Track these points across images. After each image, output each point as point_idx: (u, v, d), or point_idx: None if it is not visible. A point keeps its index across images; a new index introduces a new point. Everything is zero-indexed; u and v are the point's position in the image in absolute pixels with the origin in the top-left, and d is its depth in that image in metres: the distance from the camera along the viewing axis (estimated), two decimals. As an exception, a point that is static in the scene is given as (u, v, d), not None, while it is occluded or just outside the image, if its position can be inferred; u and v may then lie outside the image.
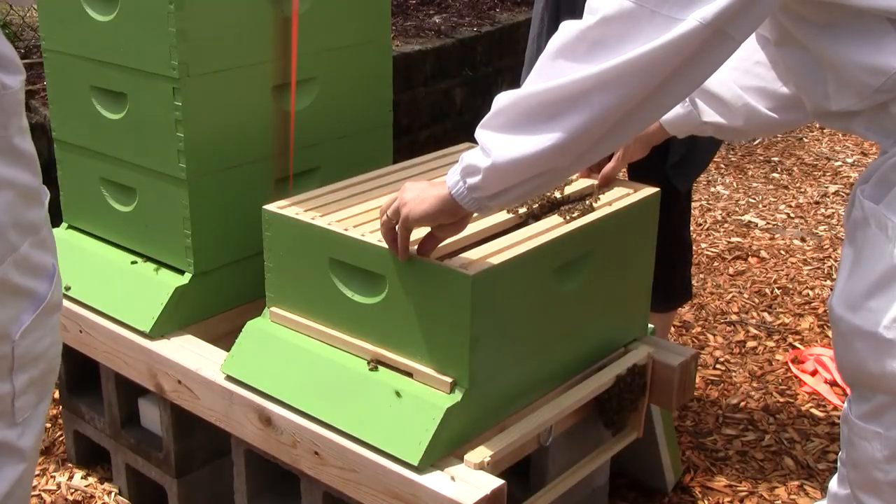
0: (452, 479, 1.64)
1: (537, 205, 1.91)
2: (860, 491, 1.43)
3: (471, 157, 1.44)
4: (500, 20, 4.77)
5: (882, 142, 1.35)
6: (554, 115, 1.32)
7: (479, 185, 1.43)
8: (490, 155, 1.39)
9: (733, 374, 2.89)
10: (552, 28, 2.38)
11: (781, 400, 2.76)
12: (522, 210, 1.90)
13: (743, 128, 1.77)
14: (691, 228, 2.69)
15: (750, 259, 3.68)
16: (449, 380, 1.68)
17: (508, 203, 1.55)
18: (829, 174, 4.59)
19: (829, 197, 4.30)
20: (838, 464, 1.56)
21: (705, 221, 4.02)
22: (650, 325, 2.14)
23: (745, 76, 1.72)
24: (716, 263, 3.64)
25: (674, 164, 2.36)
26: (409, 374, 1.74)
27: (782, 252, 3.73)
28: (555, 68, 1.32)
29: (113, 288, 2.15)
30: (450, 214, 1.52)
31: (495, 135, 1.39)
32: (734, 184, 4.45)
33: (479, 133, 1.42)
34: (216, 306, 2.15)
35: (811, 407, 2.73)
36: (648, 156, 2.46)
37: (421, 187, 1.56)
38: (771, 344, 3.06)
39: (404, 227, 1.59)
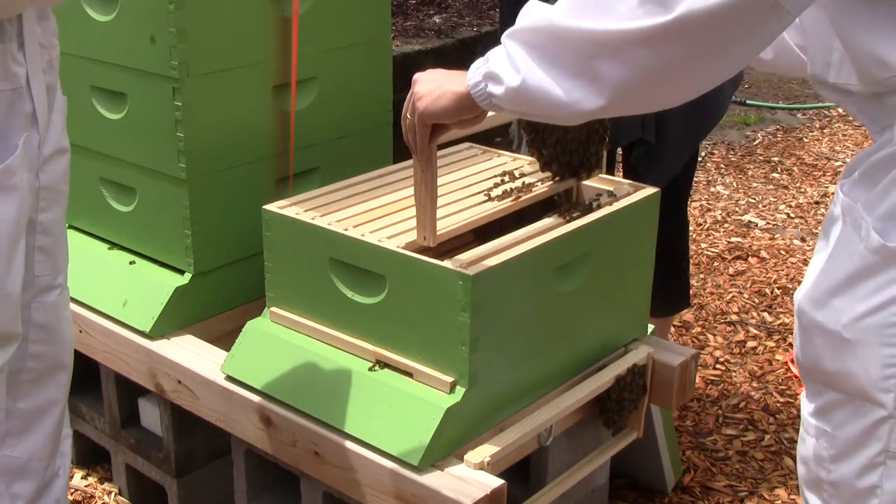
0: (453, 478, 1.64)
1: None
2: (805, 487, 1.42)
3: (498, 63, 1.36)
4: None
5: (870, 127, 1.34)
6: (591, 59, 1.24)
7: (501, 96, 1.37)
8: (520, 73, 1.32)
9: (733, 374, 2.89)
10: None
11: (781, 400, 2.76)
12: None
13: (772, 60, 1.71)
14: (691, 229, 2.69)
15: (750, 259, 3.68)
16: (449, 380, 1.68)
17: (524, 115, 1.49)
18: (829, 174, 4.59)
19: (828, 197, 4.30)
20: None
21: (705, 221, 4.02)
22: (650, 326, 2.14)
23: None
24: (716, 263, 3.64)
25: (639, 156, 2.34)
26: (409, 374, 1.74)
27: (782, 252, 3.73)
28: (599, 2, 1.23)
29: (113, 288, 2.15)
30: (468, 111, 1.48)
31: (527, 55, 1.32)
32: (734, 184, 4.45)
33: (510, 44, 1.35)
34: (216, 306, 2.15)
35: (811, 407, 2.73)
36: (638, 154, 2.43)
37: (436, 80, 1.51)
38: (771, 344, 3.06)
39: (422, 123, 1.54)
